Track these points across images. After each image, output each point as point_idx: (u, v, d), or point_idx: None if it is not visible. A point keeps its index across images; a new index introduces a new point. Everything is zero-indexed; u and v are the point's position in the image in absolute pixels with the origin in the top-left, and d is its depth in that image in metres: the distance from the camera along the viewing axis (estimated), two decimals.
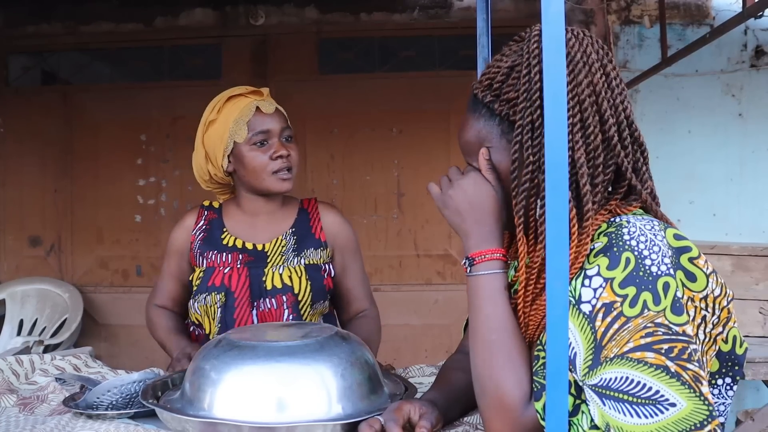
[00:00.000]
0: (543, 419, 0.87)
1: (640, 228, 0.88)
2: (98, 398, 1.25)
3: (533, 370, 0.92)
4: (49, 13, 3.54)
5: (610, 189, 0.98)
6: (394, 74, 3.56)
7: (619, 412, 0.81)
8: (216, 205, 1.76)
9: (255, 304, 1.62)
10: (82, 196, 3.64)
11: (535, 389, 0.90)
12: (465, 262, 0.99)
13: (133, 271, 3.64)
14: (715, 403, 0.97)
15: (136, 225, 3.63)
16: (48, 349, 3.10)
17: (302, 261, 1.66)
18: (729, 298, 0.92)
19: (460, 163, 1.06)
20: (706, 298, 0.89)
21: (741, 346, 0.95)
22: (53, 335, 3.30)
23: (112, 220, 3.63)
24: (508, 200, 0.99)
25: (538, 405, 0.88)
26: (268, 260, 1.65)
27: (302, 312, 1.63)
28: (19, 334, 3.31)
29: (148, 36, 3.56)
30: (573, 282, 0.89)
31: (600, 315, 0.85)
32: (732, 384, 0.97)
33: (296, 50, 3.55)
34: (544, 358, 0.89)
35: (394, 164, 3.54)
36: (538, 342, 0.93)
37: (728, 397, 0.98)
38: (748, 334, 2.46)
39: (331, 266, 1.71)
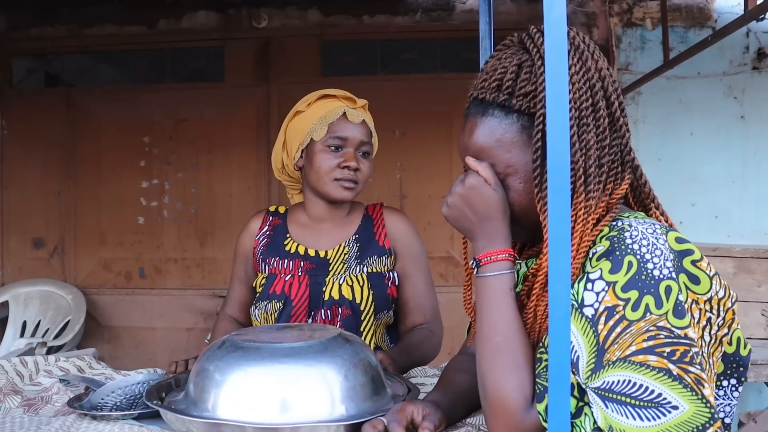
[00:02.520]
0: (545, 421, 0.87)
1: (642, 232, 0.89)
2: (102, 399, 1.26)
3: (536, 372, 0.92)
4: (52, 15, 3.56)
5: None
6: (397, 77, 3.56)
7: (622, 415, 0.82)
8: (282, 210, 1.75)
9: (312, 313, 1.59)
10: (85, 198, 3.65)
11: (538, 391, 0.90)
12: (473, 263, 1.00)
13: (136, 273, 3.65)
14: (721, 404, 0.98)
15: (139, 227, 3.64)
16: (51, 350, 3.11)
17: (365, 269, 1.62)
18: (733, 300, 0.93)
19: (461, 166, 1.06)
20: (710, 300, 0.90)
21: (745, 347, 0.96)
22: (56, 337, 3.30)
23: (115, 222, 3.64)
24: (516, 201, 0.99)
25: (541, 407, 0.89)
26: (330, 268, 1.62)
27: (365, 323, 1.58)
28: (22, 335, 3.32)
29: (151, 38, 3.57)
30: (575, 285, 0.89)
31: (602, 318, 0.85)
32: (737, 385, 0.97)
33: (299, 53, 3.55)
34: (546, 360, 0.89)
35: (396, 166, 3.54)
36: (541, 344, 0.94)
37: (734, 398, 0.98)
38: (751, 336, 2.46)
39: (395, 274, 1.66)
